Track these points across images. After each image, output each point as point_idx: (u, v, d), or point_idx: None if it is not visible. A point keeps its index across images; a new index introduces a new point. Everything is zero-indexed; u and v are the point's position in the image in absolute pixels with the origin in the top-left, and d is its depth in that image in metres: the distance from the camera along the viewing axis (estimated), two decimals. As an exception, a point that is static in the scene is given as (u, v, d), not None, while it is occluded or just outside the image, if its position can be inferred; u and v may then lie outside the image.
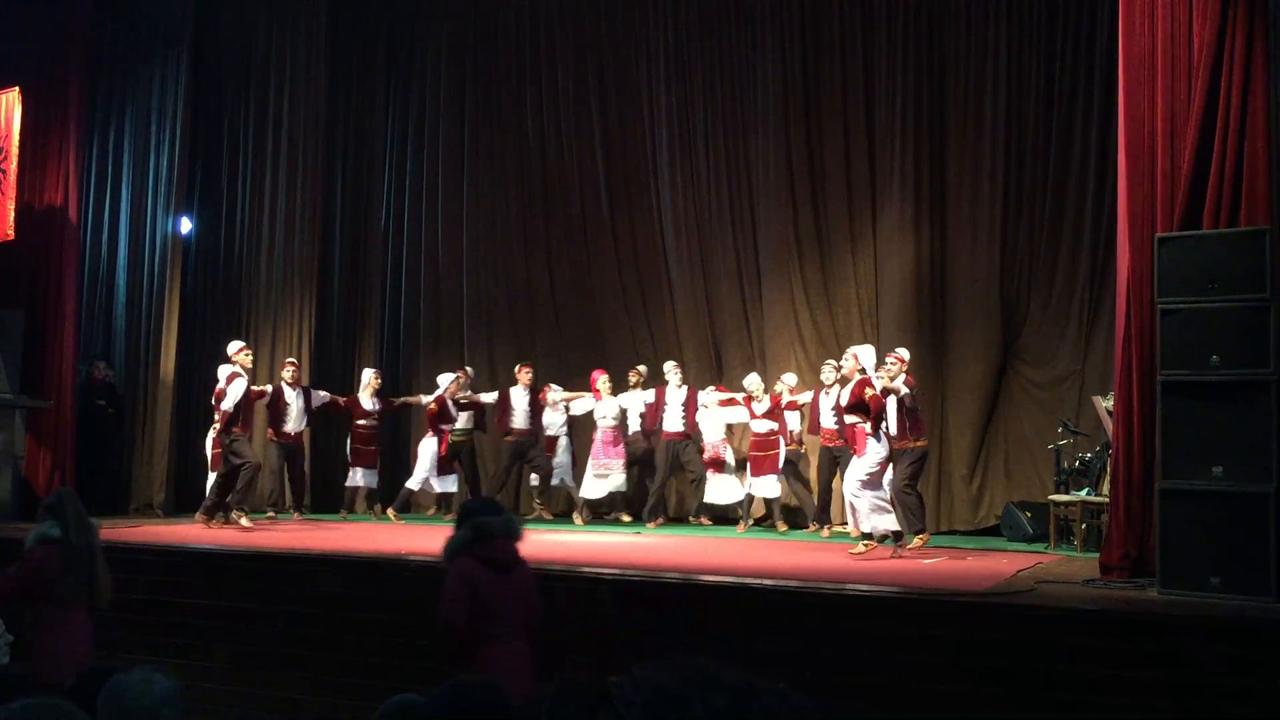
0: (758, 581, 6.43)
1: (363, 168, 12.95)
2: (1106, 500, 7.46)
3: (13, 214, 10.32)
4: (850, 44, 10.92)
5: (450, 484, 11.12)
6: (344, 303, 12.68)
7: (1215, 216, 6.27)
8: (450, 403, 11.04)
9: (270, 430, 10.76)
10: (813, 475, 10.36)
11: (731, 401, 10.46)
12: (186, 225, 12.03)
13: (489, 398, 11.32)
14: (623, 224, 12.13)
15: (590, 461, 10.98)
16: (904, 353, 8.73)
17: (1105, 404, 8.21)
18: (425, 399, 11.32)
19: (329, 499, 11.65)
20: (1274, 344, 5.81)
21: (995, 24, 10.36)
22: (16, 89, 10.34)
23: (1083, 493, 8.69)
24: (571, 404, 11.21)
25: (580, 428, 11.59)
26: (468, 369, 11.64)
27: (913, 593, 6.01)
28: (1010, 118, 10.30)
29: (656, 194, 11.88)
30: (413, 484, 11.07)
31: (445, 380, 11.12)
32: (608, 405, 10.94)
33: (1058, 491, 9.07)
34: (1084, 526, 8.58)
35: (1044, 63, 10.23)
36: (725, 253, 11.51)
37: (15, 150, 10.29)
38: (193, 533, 9.28)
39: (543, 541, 9.02)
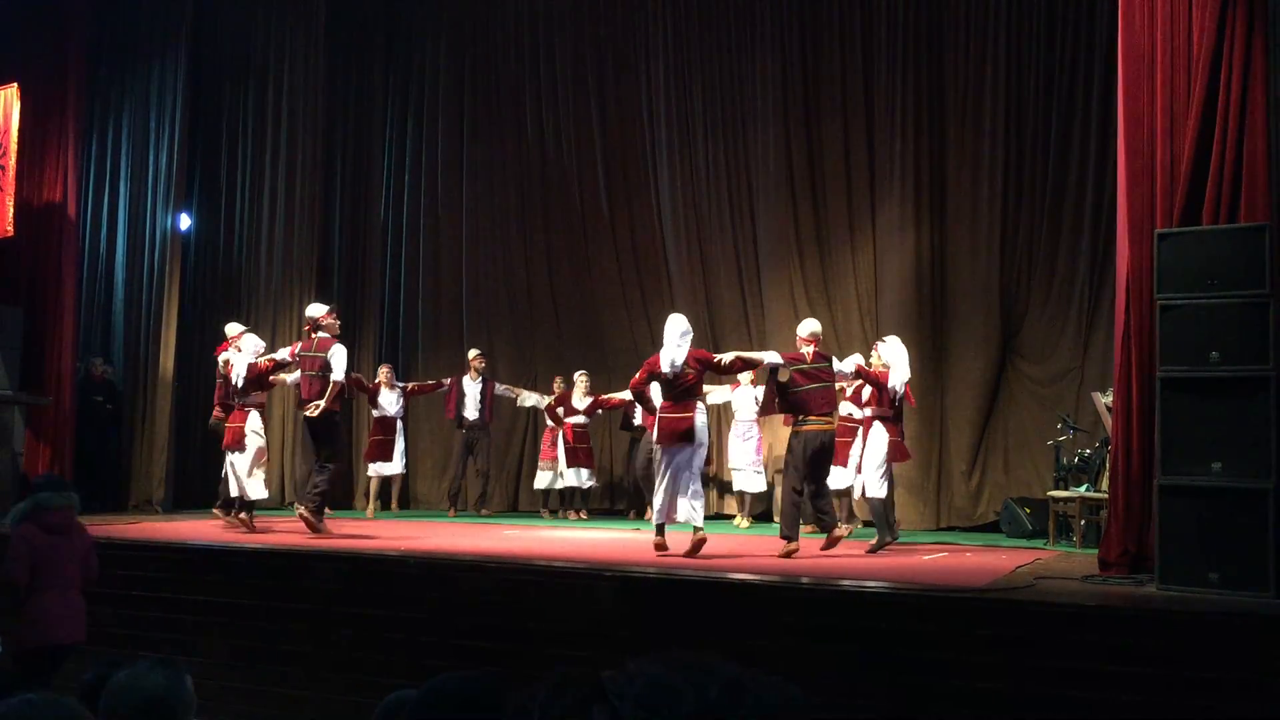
0: (754, 577, 6.44)
1: (362, 163, 12.95)
2: (1105, 496, 7.46)
3: (12, 210, 10.33)
4: (849, 41, 10.91)
5: (581, 477, 11.12)
6: (343, 298, 12.65)
7: (1215, 212, 6.27)
8: (575, 399, 11.04)
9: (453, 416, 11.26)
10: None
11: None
12: (186, 221, 12.03)
13: (626, 395, 10.84)
14: (622, 221, 12.13)
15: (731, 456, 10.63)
16: (801, 326, 8.15)
17: (1104, 400, 8.21)
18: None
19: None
20: (1273, 340, 5.81)
21: (995, 20, 10.36)
22: (15, 85, 10.34)
23: (1082, 489, 8.70)
24: (709, 395, 10.44)
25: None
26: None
27: (911, 588, 6.01)
28: (1010, 114, 10.30)
29: (656, 191, 11.88)
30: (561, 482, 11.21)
31: (578, 379, 11.14)
32: (744, 395, 10.38)
33: (1057, 487, 9.08)
34: (1083, 522, 8.58)
35: (1043, 59, 10.23)
36: (725, 250, 11.51)
37: (14, 146, 10.30)
38: (192, 529, 9.27)
39: (540, 538, 9.04)
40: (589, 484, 11.25)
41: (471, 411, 11.29)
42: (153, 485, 11.23)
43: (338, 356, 8.65)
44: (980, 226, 10.38)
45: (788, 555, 7.47)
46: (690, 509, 7.47)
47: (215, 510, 9.53)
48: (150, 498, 11.20)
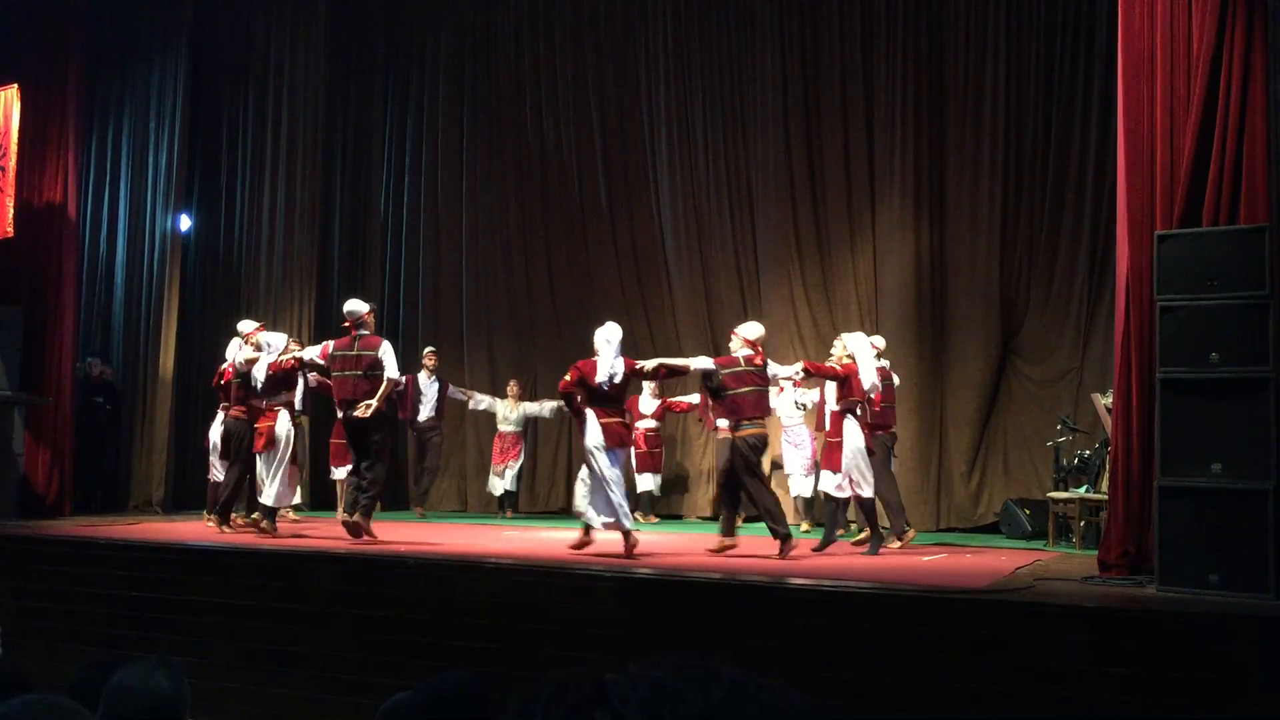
0: (756, 579, 6.44)
1: (362, 164, 12.96)
2: (1105, 497, 7.46)
3: (12, 211, 10.32)
4: (850, 42, 10.92)
5: (653, 482, 10.93)
6: (343, 299, 12.60)
7: (1215, 213, 6.27)
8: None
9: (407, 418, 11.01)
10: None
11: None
12: (185, 222, 12.03)
13: (694, 399, 10.41)
14: (622, 222, 12.13)
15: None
16: (746, 329, 7.99)
17: (1104, 401, 8.21)
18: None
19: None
20: (1273, 341, 5.81)
21: (995, 21, 10.37)
22: (16, 86, 10.34)
23: (1081, 490, 8.70)
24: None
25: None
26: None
27: (911, 589, 6.01)
28: (1010, 115, 10.31)
29: (656, 192, 11.88)
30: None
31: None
32: (786, 399, 10.06)
33: (1056, 489, 9.08)
34: (1082, 524, 8.58)
35: (1043, 60, 10.23)
36: (724, 250, 11.51)
37: (14, 147, 10.29)
38: (192, 529, 9.27)
39: (540, 539, 9.03)
40: (654, 487, 10.98)
41: (427, 411, 11.17)
42: (152, 485, 11.24)
43: (389, 354, 8.21)
44: (980, 226, 10.38)
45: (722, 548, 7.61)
46: (620, 508, 7.49)
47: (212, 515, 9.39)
48: (150, 498, 11.20)
